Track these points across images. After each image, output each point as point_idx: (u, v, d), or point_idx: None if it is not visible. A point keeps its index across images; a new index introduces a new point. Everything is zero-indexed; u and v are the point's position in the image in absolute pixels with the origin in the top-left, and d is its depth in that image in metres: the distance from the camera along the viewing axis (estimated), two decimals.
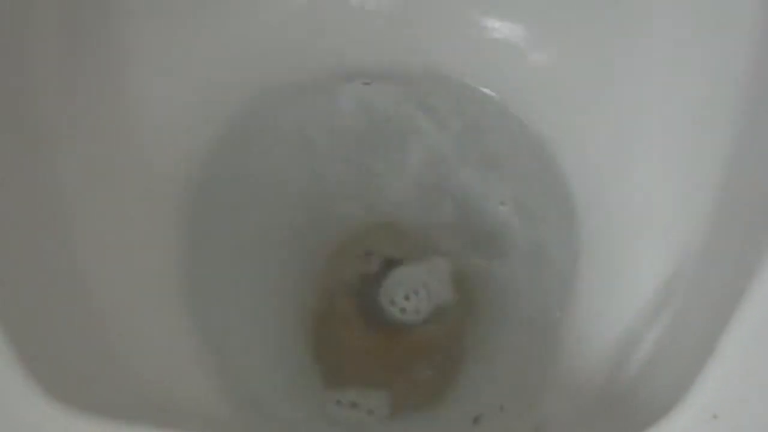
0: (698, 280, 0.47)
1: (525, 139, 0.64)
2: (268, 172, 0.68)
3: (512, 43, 0.62)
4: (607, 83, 0.57)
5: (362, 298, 0.81)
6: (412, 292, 0.76)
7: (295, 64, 0.64)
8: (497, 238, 0.71)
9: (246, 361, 0.62)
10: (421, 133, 0.69)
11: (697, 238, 0.48)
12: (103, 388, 0.46)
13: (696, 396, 0.38)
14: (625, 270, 0.54)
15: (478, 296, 0.75)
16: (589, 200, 0.59)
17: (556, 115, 0.61)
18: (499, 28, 0.62)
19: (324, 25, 0.64)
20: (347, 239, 0.79)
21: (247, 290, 0.67)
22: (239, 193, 0.66)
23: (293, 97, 0.66)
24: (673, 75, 0.53)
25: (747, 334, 0.38)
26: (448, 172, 0.71)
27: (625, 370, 0.49)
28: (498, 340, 0.70)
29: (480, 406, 0.65)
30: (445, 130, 0.69)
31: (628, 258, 0.54)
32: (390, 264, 0.81)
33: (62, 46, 0.52)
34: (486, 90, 0.65)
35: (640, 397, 0.46)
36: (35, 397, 0.39)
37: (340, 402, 0.71)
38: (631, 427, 0.39)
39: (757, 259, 0.39)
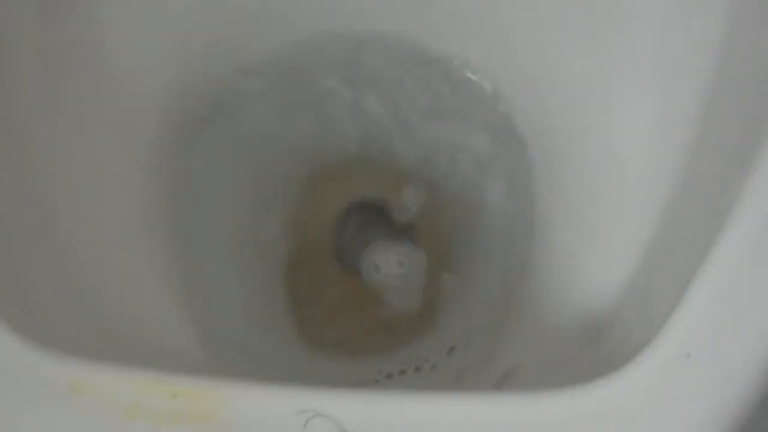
0: (674, 218, 0.47)
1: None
2: (243, 115, 0.66)
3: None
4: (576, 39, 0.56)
5: (339, 246, 0.81)
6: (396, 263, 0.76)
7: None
8: (474, 183, 0.71)
9: (220, 302, 0.62)
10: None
11: (670, 185, 0.48)
12: (73, 326, 0.45)
13: (669, 334, 0.37)
14: (599, 217, 0.53)
15: (450, 241, 0.76)
16: (568, 147, 0.58)
17: (515, 70, 0.60)
18: None
19: None
20: (322, 178, 0.78)
21: (223, 232, 0.66)
22: (216, 135, 0.65)
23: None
24: (643, 29, 0.52)
25: (721, 273, 0.38)
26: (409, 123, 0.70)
27: (597, 312, 0.49)
28: (473, 283, 0.70)
29: (452, 339, 0.65)
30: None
31: (601, 205, 0.54)
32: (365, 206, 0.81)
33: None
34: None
35: (613, 337, 0.45)
36: (2, 335, 0.38)
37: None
38: (604, 367, 0.38)
39: (734, 196, 0.38)
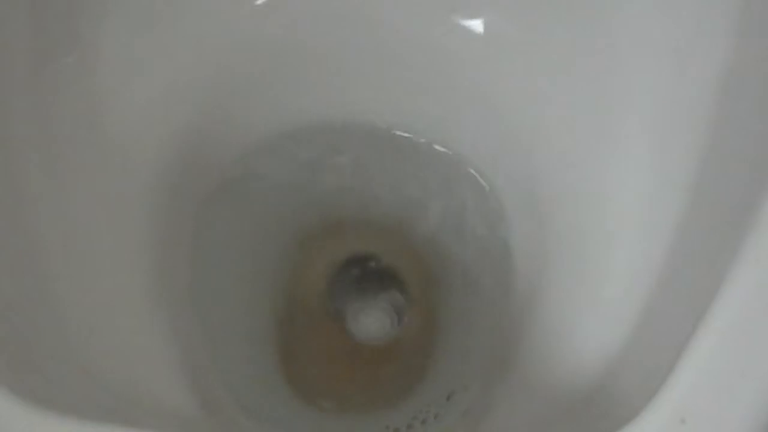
0: (669, 281, 0.47)
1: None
2: (240, 167, 0.67)
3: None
4: (583, 76, 0.57)
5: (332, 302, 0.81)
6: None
7: (263, 57, 0.63)
8: (463, 235, 0.71)
9: (217, 361, 0.61)
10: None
11: (669, 236, 0.48)
12: (69, 388, 0.45)
13: (664, 399, 0.37)
14: (594, 269, 0.53)
15: (443, 297, 0.75)
16: (559, 194, 0.58)
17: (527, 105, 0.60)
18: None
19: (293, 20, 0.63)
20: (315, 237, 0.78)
21: (218, 289, 0.66)
22: (211, 190, 0.65)
23: (263, 92, 0.65)
24: (648, 66, 0.53)
25: (717, 337, 0.38)
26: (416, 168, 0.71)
27: (591, 372, 0.49)
28: (465, 343, 0.70)
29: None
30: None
31: (597, 257, 0.54)
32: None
33: (32, 42, 0.51)
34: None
35: (606, 400, 0.45)
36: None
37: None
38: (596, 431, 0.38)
39: (730, 259, 0.38)
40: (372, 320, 0.77)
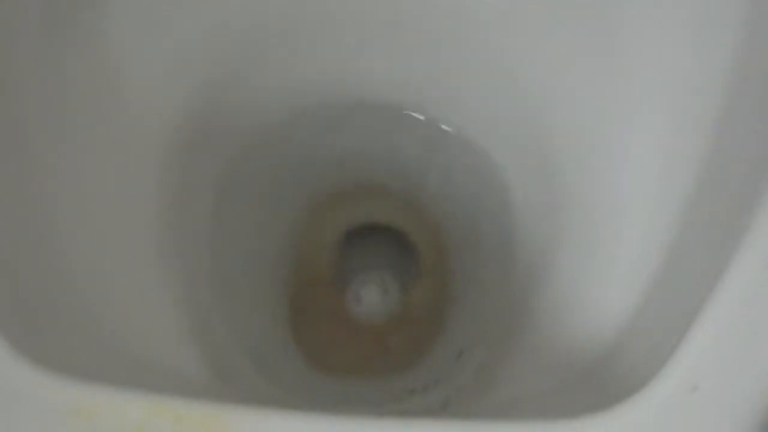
0: (680, 251, 0.47)
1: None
2: (254, 130, 0.67)
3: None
4: (597, 49, 0.56)
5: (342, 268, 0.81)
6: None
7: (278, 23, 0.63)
8: (474, 205, 0.71)
9: (226, 327, 0.61)
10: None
11: (681, 206, 0.48)
12: (78, 349, 0.45)
13: (675, 367, 0.37)
14: (605, 240, 0.53)
15: (454, 265, 0.76)
16: (574, 172, 0.58)
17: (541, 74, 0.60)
18: None
19: None
20: (331, 199, 0.79)
21: (231, 255, 0.66)
22: (224, 156, 0.65)
23: (278, 59, 0.65)
24: (663, 42, 0.52)
25: (728, 306, 0.38)
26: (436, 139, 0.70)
27: (601, 340, 0.49)
28: (476, 310, 0.70)
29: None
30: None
31: (607, 226, 0.53)
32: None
33: (44, 5, 0.51)
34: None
35: (617, 369, 0.45)
36: (8, 357, 0.38)
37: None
38: (607, 400, 0.38)
39: (743, 229, 0.38)
40: (366, 300, 0.77)
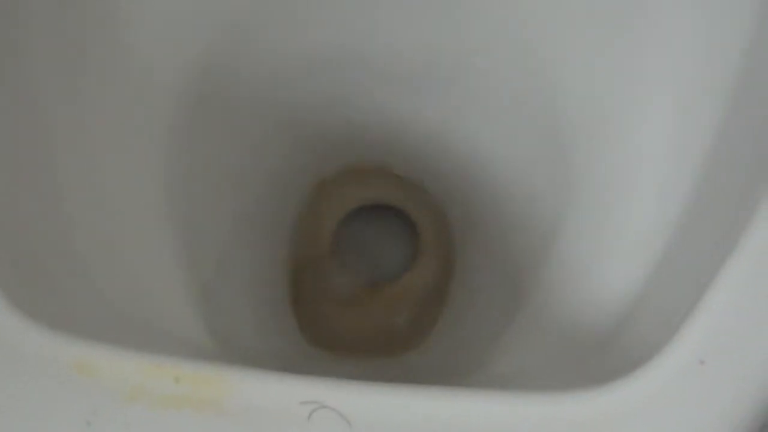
0: (691, 223, 0.46)
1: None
2: (263, 95, 0.66)
3: None
4: (613, 26, 0.56)
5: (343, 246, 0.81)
6: None
7: None
8: (486, 180, 0.70)
9: (227, 295, 0.61)
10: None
11: (689, 188, 0.47)
12: (79, 307, 0.45)
13: (683, 341, 0.37)
14: (614, 215, 0.53)
15: (463, 236, 0.75)
16: (583, 145, 0.57)
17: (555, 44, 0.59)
18: None
19: None
20: (335, 175, 0.78)
21: (235, 220, 0.66)
22: (234, 120, 0.65)
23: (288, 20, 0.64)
24: (677, 30, 0.52)
25: (738, 279, 0.37)
26: (443, 108, 0.70)
27: (610, 312, 0.49)
28: (480, 286, 0.70)
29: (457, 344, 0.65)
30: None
31: (616, 204, 0.53)
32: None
33: None
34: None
35: (625, 342, 0.44)
36: (9, 314, 0.38)
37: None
38: (614, 373, 0.38)
39: (754, 203, 0.38)
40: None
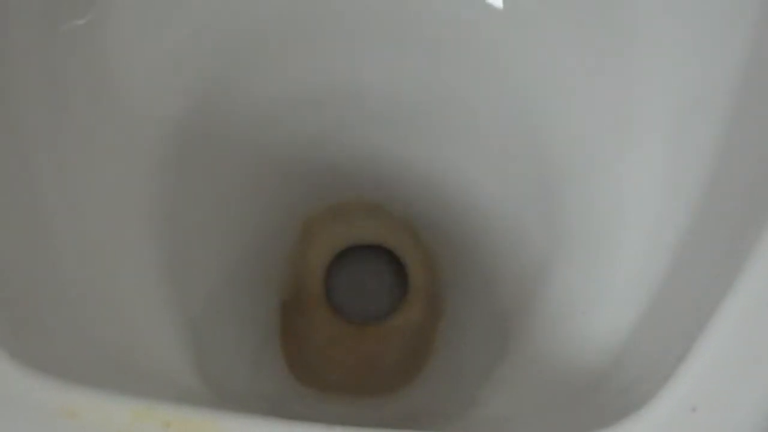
0: (683, 266, 0.46)
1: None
2: (250, 135, 0.66)
3: None
4: (602, 54, 0.56)
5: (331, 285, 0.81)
6: None
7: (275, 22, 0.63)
8: (475, 218, 0.70)
9: (215, 334, 0.61)
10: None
11: (681, 229, 0.47)
12: (66, 351, 0.44)
13: (675, 387, 0.36)
14: (605, 255, 0.53)
15: (452, 276, 0.75)
16: (573, 184, 0.58)
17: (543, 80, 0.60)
18: None
19: None
20: (324, 215, 0.78)
21: (224, 260, 0.66)
22: (221, 163, 0.65)
23: (273, 60, 0.64)
24: (666, 62, 0.52)
25: (731, 325, 0.37)
26: (431, 146, 0.70)
27: (599, 357, 0.48)
28: (469, 326, 0.70)
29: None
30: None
31: (607, 247, 0.53)
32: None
33: (44, 4, 0.51)
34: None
35: (615, 385, 0.44)
36: None
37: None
38: (604, 419, 0.37)
39: (747, 247, 0.38)
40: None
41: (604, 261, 0.52)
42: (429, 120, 0.68)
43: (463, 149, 0.68)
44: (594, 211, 0.55)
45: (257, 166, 0.68)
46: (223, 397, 0.52)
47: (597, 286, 0.52)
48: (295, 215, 0.76)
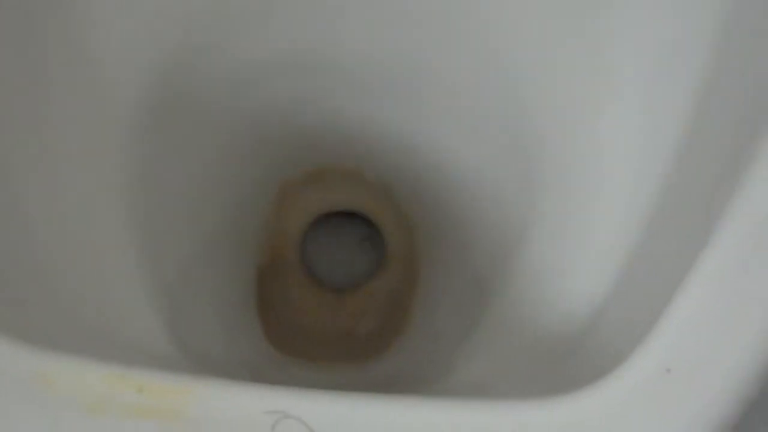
0: (658, 229, 0.46)
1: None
2: (225, 101, 0.66)
3: None
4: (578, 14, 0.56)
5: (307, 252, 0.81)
6: None
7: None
8: (452, 185, 0.70)
9: (191, 300, 0.61)
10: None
11: (659, 185, 0.47)
12: (39, 318, 0.44)
13: (650, 349, 0.37)
14: (580, 220, 0.53)
15: (428, 242, 0.75)
16: (549, 148, 0.58)
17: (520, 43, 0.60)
18: None
19: None
20: (300, 180, 0.78)
21: (199, 227, 0.66)
22: (194, 123, 0.64)
23: (251, 25, 0.64)
24: (641, 18, 0.52)
25: (705, 287, 0.37)
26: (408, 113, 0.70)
27: (575, 320, 0.49)
28: (445, 293, 0.70)
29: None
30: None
31: (585, 203, 0.53)
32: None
33: None
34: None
35: (590, 348, 0.44)
36: None
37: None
38: (579, 380, 0.38)
39: (720, 210, 0.38)
40: None
41: (580, 226, 0.52)
42: (407, 87, 0.67)
43: (440, 116, 0.68)
44: (569, 178, 0.55)
45: (233, 131, 0.68)
46: (199, 364, 0.52)
47: (572, 252, 0.52)
48: (271, 181, 0.76)
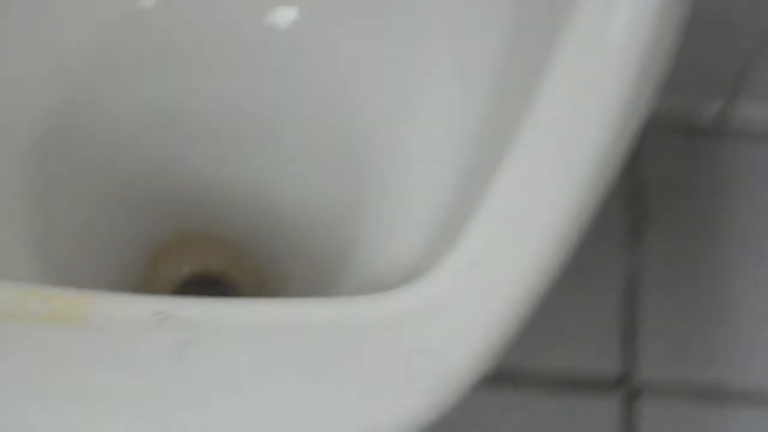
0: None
1: None
2: (100, 160, 0.70)
3: None
4: None
5: None
6: None
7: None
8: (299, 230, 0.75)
9: None
10: None
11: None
12: None
13: (458, 249, 0.44)
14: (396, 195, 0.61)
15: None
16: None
17: None
18: None
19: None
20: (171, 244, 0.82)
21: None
22: (79, 177, 0.69)
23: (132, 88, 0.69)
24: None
25: (503, 196, 0.44)
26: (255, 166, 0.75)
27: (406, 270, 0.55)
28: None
29: None
30: None
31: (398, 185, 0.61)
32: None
33: None
34: None
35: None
36: None
37: None
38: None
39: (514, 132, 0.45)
40: None
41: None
42: (252, 139, 0.73)
43: (282, 163, 0.74)
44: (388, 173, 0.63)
45: (107, 193, 0.72)
46: None
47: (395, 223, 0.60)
48: (140, 245, 0.79)
